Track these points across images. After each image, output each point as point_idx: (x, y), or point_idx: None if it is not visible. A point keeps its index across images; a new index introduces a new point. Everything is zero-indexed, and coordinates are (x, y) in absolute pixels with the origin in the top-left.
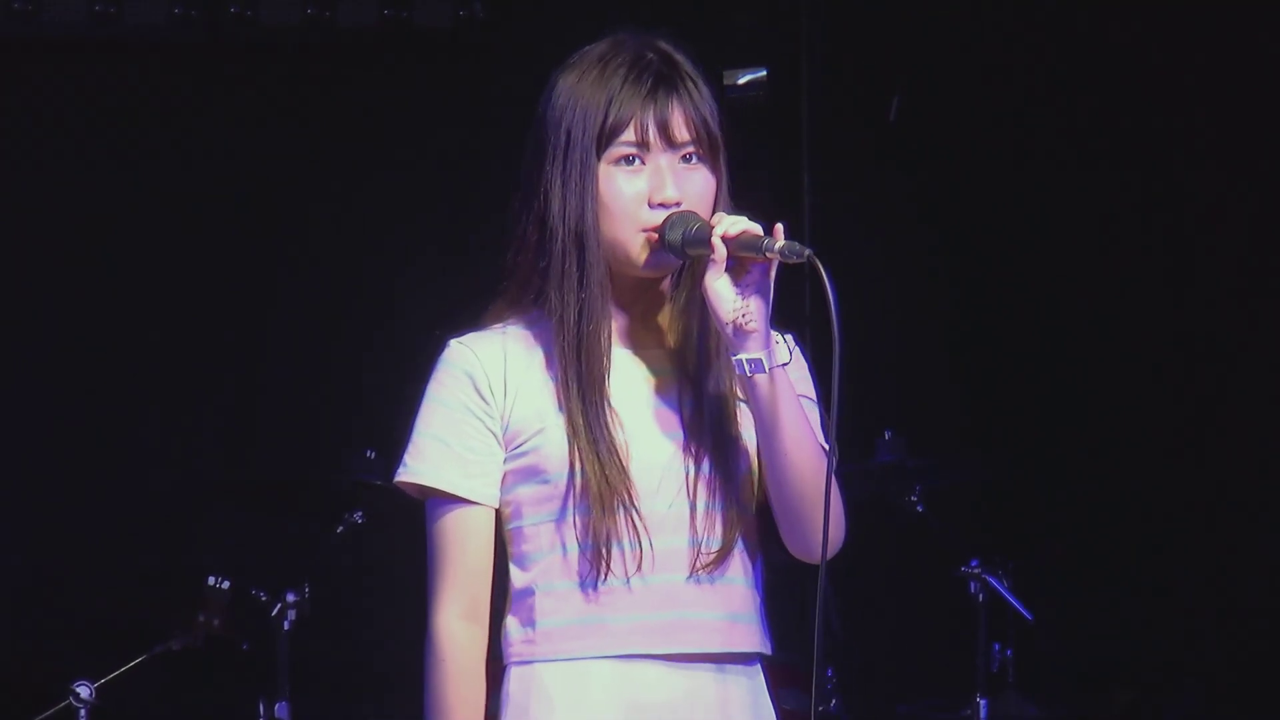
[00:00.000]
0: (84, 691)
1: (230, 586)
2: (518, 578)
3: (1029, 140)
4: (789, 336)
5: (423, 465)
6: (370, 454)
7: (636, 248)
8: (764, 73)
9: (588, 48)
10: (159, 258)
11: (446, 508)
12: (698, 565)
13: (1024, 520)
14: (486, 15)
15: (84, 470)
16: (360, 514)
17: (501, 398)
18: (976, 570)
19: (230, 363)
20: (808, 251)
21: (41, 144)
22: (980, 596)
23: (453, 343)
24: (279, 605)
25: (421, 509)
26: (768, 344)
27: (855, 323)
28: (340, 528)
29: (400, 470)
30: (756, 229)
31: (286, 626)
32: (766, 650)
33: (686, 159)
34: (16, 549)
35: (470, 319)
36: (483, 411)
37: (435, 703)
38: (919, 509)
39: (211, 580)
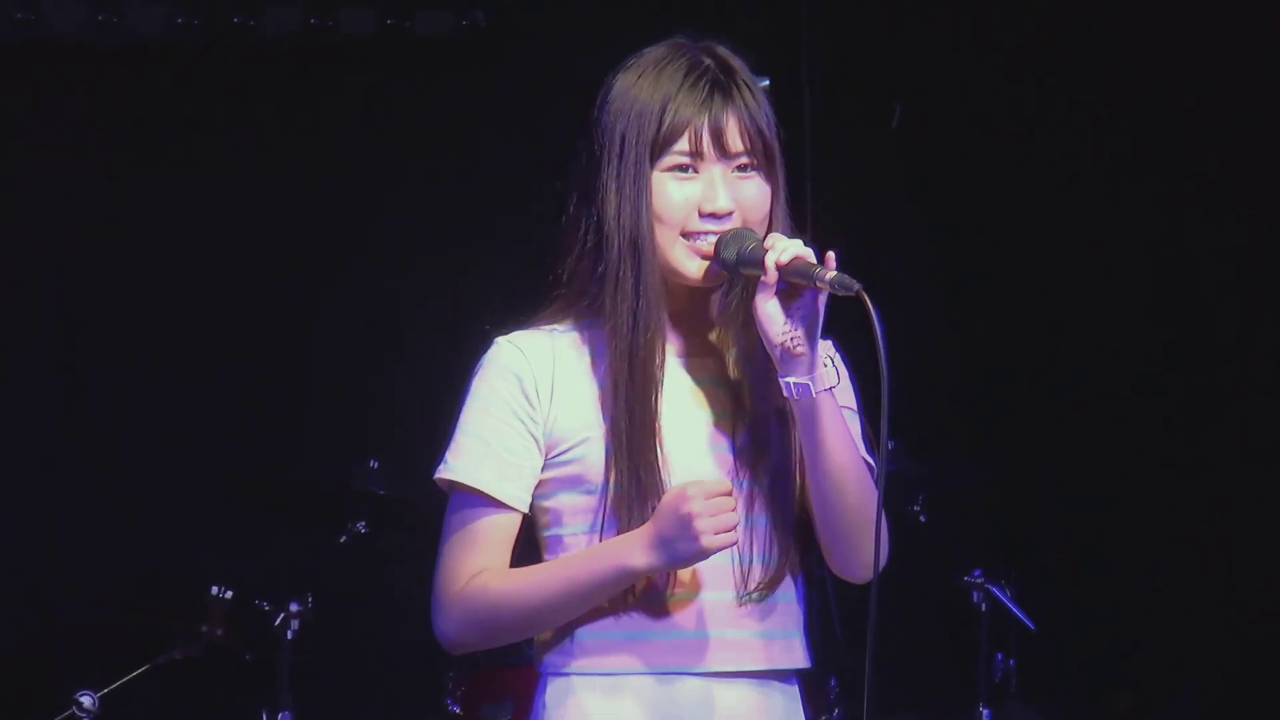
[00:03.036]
0: (87, 701)
1: (233, 596)
2: None
3: (1030, 149)
4: (828, 342)
5: (460, 462)
6: (374, 463)
7: (679, 254)
8: (766, 82)
9: (646, 51)
10: (159, 266)
11: (477, 505)
12: (748, 585)
13: (1026, 529)
14: (487, 23)
15: (86, 480)
16: (363, 523)
17: (547, 402)
18: (979, 579)
19: (233, 372)
20: (857, 286)
21: (43, 150)
22: (983, 606)
23: (500, 340)
24: (282, 615)
25: (431, 512)
26: (814, 369)
27: (857, 330)
28: (343, 537)
29: (440, 467)
30: (809, 255)
31: (289, 636)
32: (806, 664)
33: (741, 168)
34: (19, 558)
35: (522, 315)
36: (526, 414)
37: (505, 600)
38: (921, 518)
39: (214, 589)
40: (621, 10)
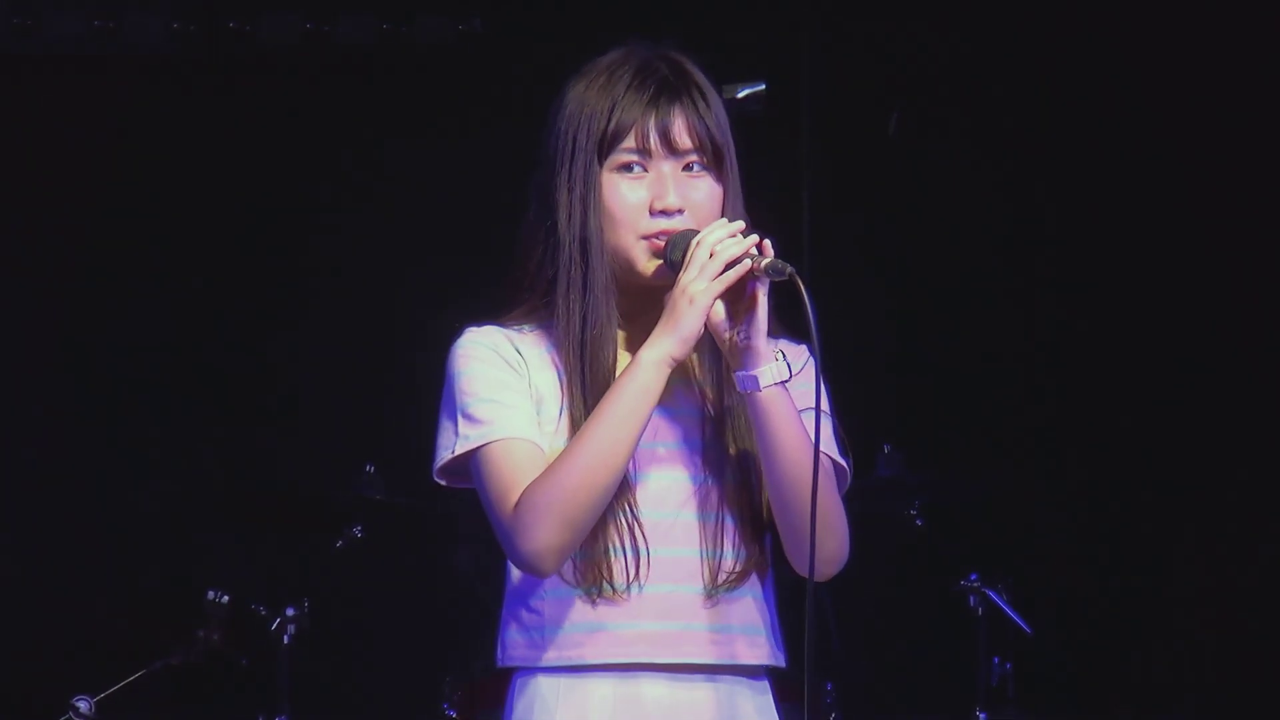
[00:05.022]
0: (83, 706)
1: (230, 601)
2: (518, 577)
3: (1027, 156)
4: (803, 346)
5: (480, 429)
6: (370, 468)
7: (638, 255)
8: (763, 87)
9: (599, 57)
10: (158, 273)
11: (510, 450)
12: (717, 580)
13: (1023, 533)
14: (486, 31)
15: (84, 485)
16: (359, 529)
17: (526, 377)
18: (976, 584)
19: (230, 378)
20: (790, 269)
21: (41, 158)
22: (979, 610)
23: (471, 329)
24: (278, 620)
25: (428, 517)
26: (766, 361)
27: (855, 337)
28: (340, 542)
29: (459, 441)
30: (740, 248)
31: (286, 641)
32: (779, 663)
33: (689, 167)
34: (16, 563)
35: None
36: (520, 376)
37: (560, 475)
38: (918, 523)
39: (211, 595)
40: (621, 17)
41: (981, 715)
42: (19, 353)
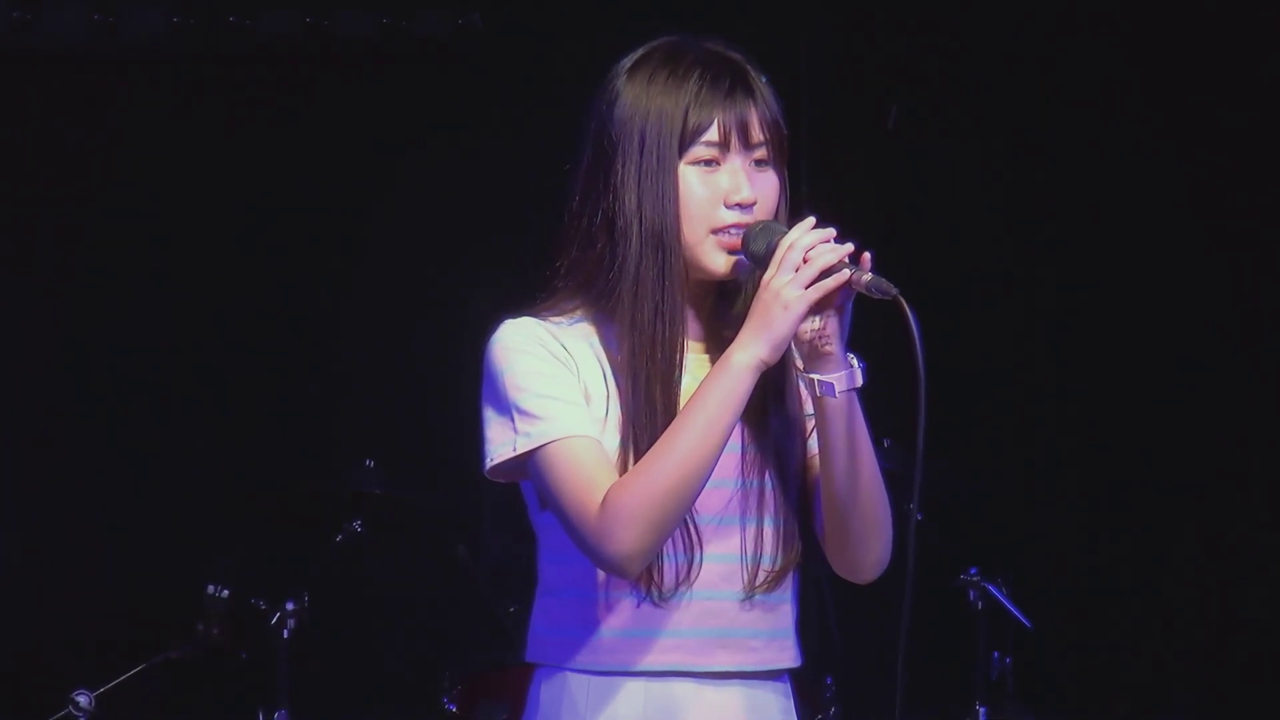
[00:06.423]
0: (83, 700)
1: (229, 595)
2: (554, 573)
3: (1028, 152)
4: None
5: (540, 427)
6: (370, 463)
7: (708, 250)
8: (763, 81)
9: (646, 50)
10: (156, 268)
11: (578, 447)
12: (756, 584)
13: (1023, 529)
14: (485, 25)
15: (84, 479)
16: (359, 523)
17: (577, 375)
18: (976, 578)
19: (230, 372)
20: (895, 291)
21: (40, 156)
22: (979, 605)
23: (508, 320)
24: (278, 614)
25: (427, 511)
26: (842, 367)
27: (855, 334)
28: (339, 537)
29: (519, 439)
30: (835, 255)
31: (285, 635)
32: (797, 663)
33: (759, 161)
34: (16, 557)
35: (506, 308)
36: (569, 366)
37: (650, 479)
38: (918, 517)
39: (211, 589)
40: (620, 13)
41: (981, 710)
42: (19, 353)
